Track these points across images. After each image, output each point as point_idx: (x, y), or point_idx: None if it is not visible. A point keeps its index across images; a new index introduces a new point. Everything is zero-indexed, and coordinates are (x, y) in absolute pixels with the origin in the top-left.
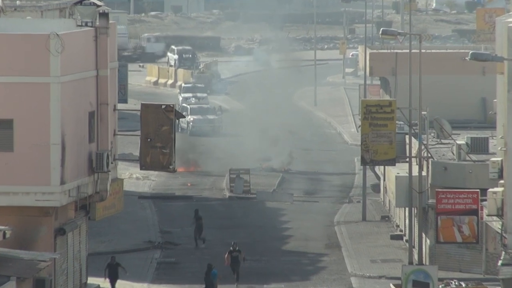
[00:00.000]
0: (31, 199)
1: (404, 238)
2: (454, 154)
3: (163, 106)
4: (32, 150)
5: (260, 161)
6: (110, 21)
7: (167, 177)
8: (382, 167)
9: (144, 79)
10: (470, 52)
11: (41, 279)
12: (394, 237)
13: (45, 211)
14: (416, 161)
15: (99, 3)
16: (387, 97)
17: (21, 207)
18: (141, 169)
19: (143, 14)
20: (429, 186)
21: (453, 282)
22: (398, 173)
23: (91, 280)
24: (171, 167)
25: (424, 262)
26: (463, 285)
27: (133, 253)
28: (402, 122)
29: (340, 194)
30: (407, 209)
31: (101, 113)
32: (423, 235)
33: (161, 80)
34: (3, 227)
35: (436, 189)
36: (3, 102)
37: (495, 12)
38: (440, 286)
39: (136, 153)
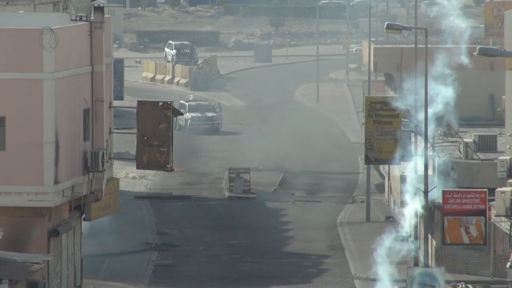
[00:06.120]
0: (24, 199)
1: (410, 240)
2: (461, 153)
3: (160, 103)
4: (25, 149)
5: (260, 161)
6: (106, 15)
7: (164, 177)
8: (386, 166)
9: (140, 75)
10: (478, 47)
11: (34, 282)
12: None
13: (38, 212)
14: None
15: None
16: (392, 94)
17: (14, 208)
18: (137, 168)
19: (139, 8)
20: (435, 185)
21: (460, 285)
22: (403, 172)
23: (86, 282)
24: (168, 166)
25: (430, 264)
26: (471, 287)
27: (129, 255)
28: (407, 120)
29: (343, 194)
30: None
31: (96, 111)
32: (429, 236)
33: (158, 76)
34: None
35: (443, 189)
36: None
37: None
38: None
39: (133, 151)
